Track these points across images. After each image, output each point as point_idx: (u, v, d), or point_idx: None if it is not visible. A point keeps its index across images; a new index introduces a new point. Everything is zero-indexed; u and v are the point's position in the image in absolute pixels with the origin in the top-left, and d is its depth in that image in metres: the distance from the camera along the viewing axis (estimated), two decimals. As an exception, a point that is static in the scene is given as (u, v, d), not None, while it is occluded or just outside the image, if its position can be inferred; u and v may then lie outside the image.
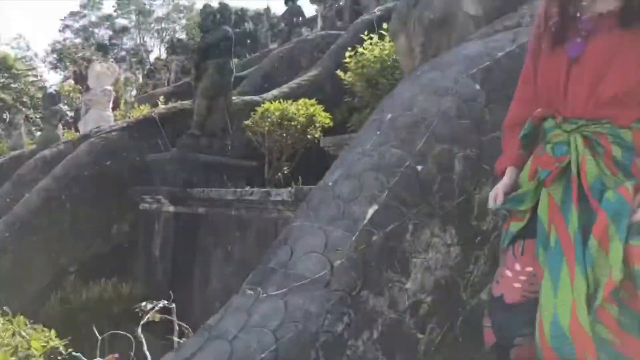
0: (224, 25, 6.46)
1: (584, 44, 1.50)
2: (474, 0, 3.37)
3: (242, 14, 25.33)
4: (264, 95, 7.41)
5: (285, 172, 6.14)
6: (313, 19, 18.33)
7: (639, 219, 1.39)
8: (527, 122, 1.66)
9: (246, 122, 6.21)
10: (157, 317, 3.29)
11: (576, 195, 1.46)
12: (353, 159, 2.49)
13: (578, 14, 1.54)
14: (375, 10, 9.10)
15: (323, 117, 6.24)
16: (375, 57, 6.00)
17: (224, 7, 7.02)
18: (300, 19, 17.07)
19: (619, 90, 1.46)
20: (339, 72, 6.51)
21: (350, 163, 2.48)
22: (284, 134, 6.03)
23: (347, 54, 6.30)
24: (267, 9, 22.00)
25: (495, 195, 1.69)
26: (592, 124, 1.49)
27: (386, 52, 5.93)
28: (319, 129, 6.18)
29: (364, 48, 6.15)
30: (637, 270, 1.36)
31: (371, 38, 6.23)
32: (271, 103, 6.22)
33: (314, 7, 18.24)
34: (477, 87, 2.62)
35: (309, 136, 6.11)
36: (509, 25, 2.93)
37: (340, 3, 16.72)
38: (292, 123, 5.99)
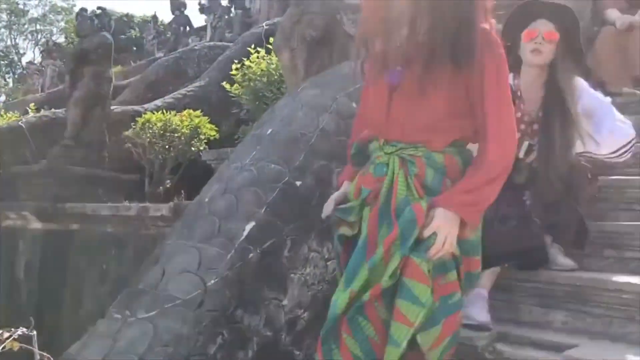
0: (103, 31, 6.14)
1: (403, 72, 1.55)
2: (353, 20, 3.49)
3: (128, 20, 24.26)
4: (146, 105, 7.12)
5: (168, 185, 5.91)
6: (202, 29, 18.02)
7: (427, 235, 1.48)
8: (354, 143, 1.75)
9: (126, 133, 5.91)
10: (16, 346, 2.98)
11: (375, 213, 1.56)
12: (231, 174, 2.44)
13: (399, 44, 1.59)
14: (264, 24, 9.12)
15: (208, 129, 6.11)
16: (262, 70, 5.99)
17: (103, 12, 6.64)
18: (188, 28, 16.71)
19: (432, 118, 1.54)
20: (226, 84, 6.43)
21: (228, 178, 2.43)
22: (167, 146, 5.81)
23: (234, 66, 6.24)
24: (154, 17, 21.23)
25: (328, 204, 1.76)
26: (409, 147, 1.56)
27: (273, 66, 5.94)
28: (204, 141, 6.05)
29: (250, 61, 6.13)
30: (404, 281, 1.47)
31: (258, 52, 6.23)
32: (153, 113, 5.98)
33: (204, 16, 17.98)
34: (354, 105, 2.68)
35: (193, 148, 5.95)
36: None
37: (231, 15, 16.62)
38: (176, 135, 5.80)
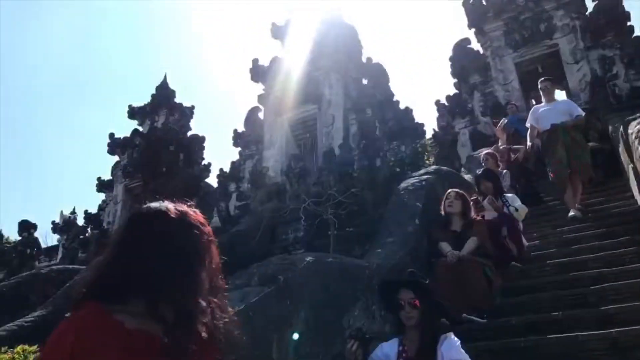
0: None
1: None
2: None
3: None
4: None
5: None
6: (53, 249, 17.09)
7: None
8: None
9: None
10: None
11: None
12: None
13: None
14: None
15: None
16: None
17: None
18: (36, 250, 15.72)
19: None
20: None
21: None
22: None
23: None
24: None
25: None
26: None
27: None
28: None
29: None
30: None
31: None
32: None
33: (56, 236, 17.26)
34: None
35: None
36: (239, 284, 3.05)
37: (87, 234, 16.12)
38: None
